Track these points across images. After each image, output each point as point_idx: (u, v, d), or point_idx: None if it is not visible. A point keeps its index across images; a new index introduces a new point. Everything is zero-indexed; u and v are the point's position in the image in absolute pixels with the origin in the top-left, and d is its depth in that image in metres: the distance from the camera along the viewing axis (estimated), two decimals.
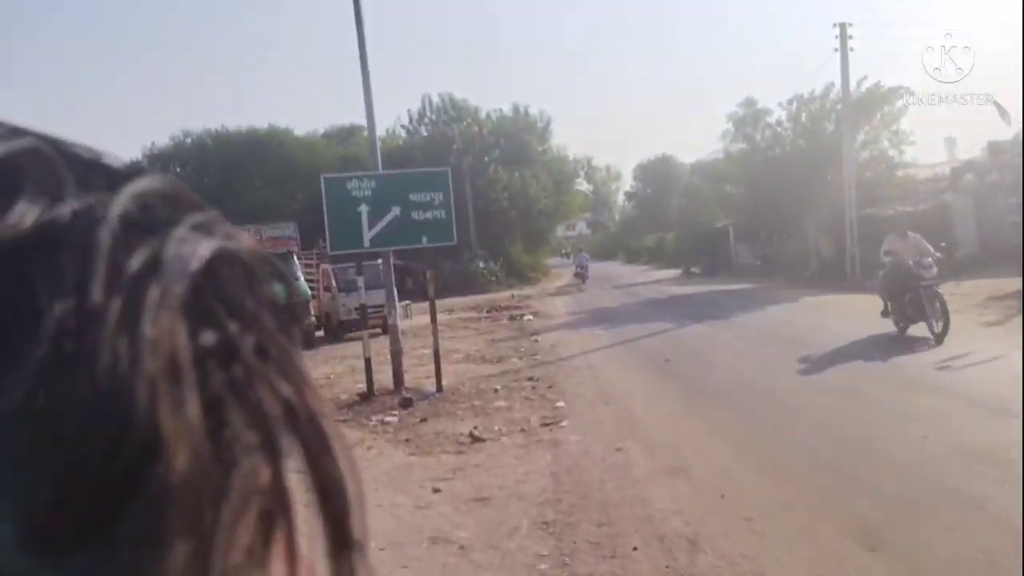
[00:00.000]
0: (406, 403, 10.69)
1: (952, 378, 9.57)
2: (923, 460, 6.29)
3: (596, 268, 59.51)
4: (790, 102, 29.59)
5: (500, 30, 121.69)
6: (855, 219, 24.67)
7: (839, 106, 27.54)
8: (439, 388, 11.42)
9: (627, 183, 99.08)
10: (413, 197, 11.13)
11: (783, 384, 9.96)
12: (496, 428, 9.01)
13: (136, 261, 0.27)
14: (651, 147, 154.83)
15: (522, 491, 6.45)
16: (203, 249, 0.30)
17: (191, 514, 0.26)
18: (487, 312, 27.26)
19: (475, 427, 9.06)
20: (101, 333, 0.25)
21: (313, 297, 21.59)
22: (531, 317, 23.98)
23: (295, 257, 21.31)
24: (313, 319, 20.99)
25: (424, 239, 11.24)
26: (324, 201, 10.90)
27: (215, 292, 0.30)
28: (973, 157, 32.10)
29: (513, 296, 33.83)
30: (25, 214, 0.26)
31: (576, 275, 40.02)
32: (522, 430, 8.83)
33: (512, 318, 24.15)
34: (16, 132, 0.29)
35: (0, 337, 0.24)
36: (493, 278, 42.04)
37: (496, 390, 11.52)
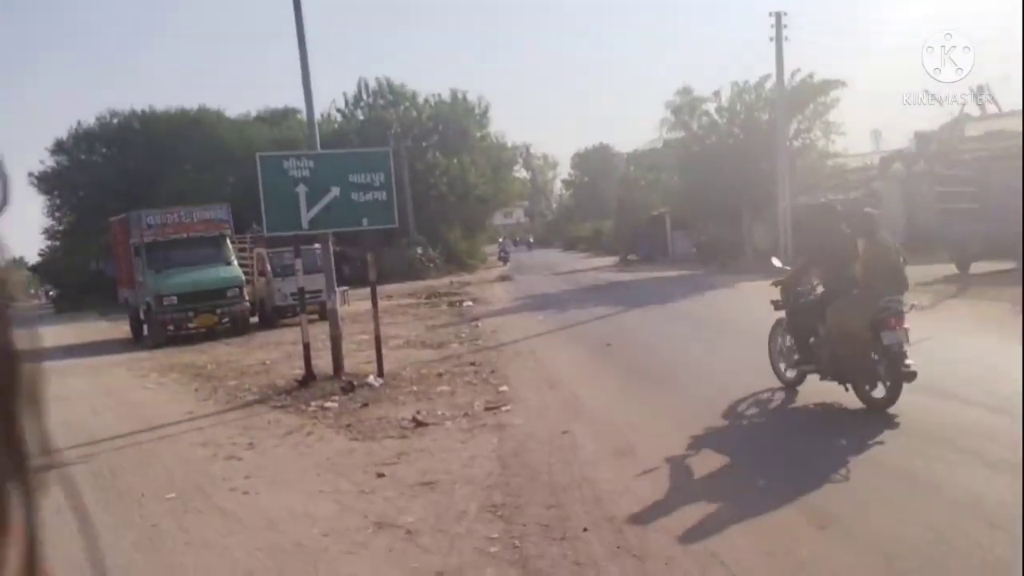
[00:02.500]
0: (347, 388, 10.46)
1: None
2: (868, 442, 6.37)
3: (534, 256, 59.79)
4: (720, 92, 29.96)
5: (437, 15, 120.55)
6: (788, 207, 25.16)
7: (774, 96, 27.99)
8: (380, 373, 11.20)
9: (564, 171, 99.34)
10: (353, 178, 10.85)
11: (724, 368, 10.04)
12: (439, 413, 8.87)
13: None
14: (588, 136, 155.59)
15: (469, 475, 6.33)
16: None
17: None
18: (426, 298, 27.03)
19: (418, 412, 8.90)
20: None
21: (247, 282, 21.03)
22: (471, 303, 23.83)
23: (228, 240, 20.69)
24: (247, 304, 20.45)
25: (364, 221, 10.97)
26: (260, 180, 10.54)
27: None
28: (901, 148, 33.06)
29: (452, 283, 33.61)
30: None
31: (499, 258, 46.18)
32: (466, 415, 8.71)
33: (452, 304, 23.99)
34: None
35: None
36: (431, 265, 41.67)
37: (439, 375, 11.36)
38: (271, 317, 21.79)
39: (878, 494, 5.16)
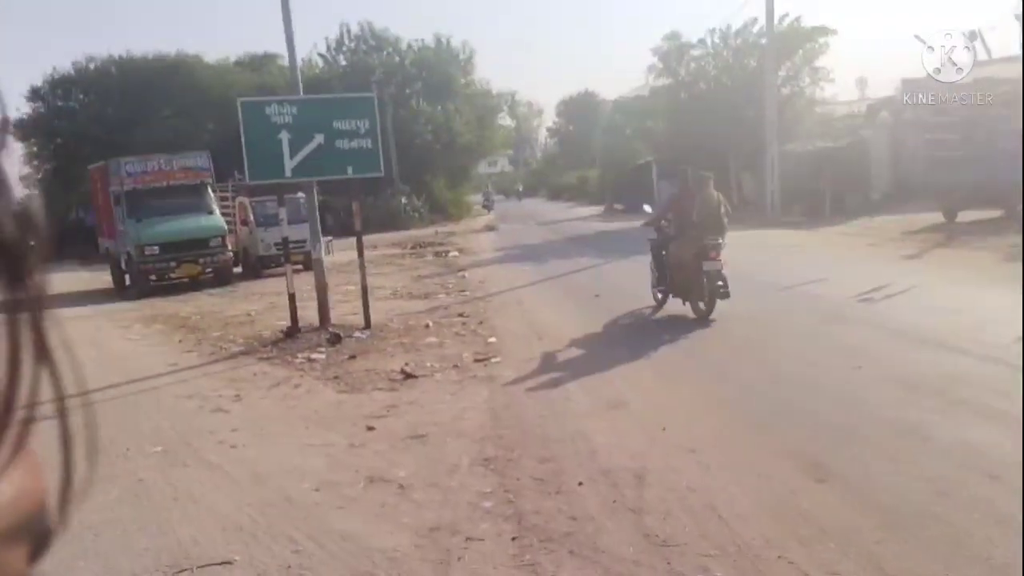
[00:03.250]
0: (334, 339, 10.34)
1: (874, 310, 9.74)
2: (859, 391, 6.34)
3: (520, 205, 59.41)
4: (712, 34, 29.45)
5: None
6: (776, 155, 24.97)
7: (762, 41, 27.59)
8: (367, 324, 11.08)
9: (549, 119, 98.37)
10: (337, 124, 10.56)
11: (714, 318, 9.97)
12: (428, 365, 8.78)
13: None
14: (573, 83, 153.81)
15: (460, 428, 6.26)
16: None
17: None
18: (411, 249, 26.86)
19: (406, 364, 8.81)
20: None
21: (230, 231, 20.73)
22: (456, 254, 23.68)
23: (209, 189, 20.32)
24: (230, 254, 20.18)
25: (350, 169, 10.70)
26: (241, 127, 10.25)
27: None
28: (888, 95, 32.82)
29: (437, 233, 33.42)
30: None
31: (483, 205, 49.77)
32: (455, 366, 8.62)
33: (437, 255, 23.84)
34: None
35: None
36: (416, 215, 41.32)
37: (426, 326, 11.25)
38: (255, 267, 21.56)
39: (873, 445, 5.12)
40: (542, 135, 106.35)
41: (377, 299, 14.89)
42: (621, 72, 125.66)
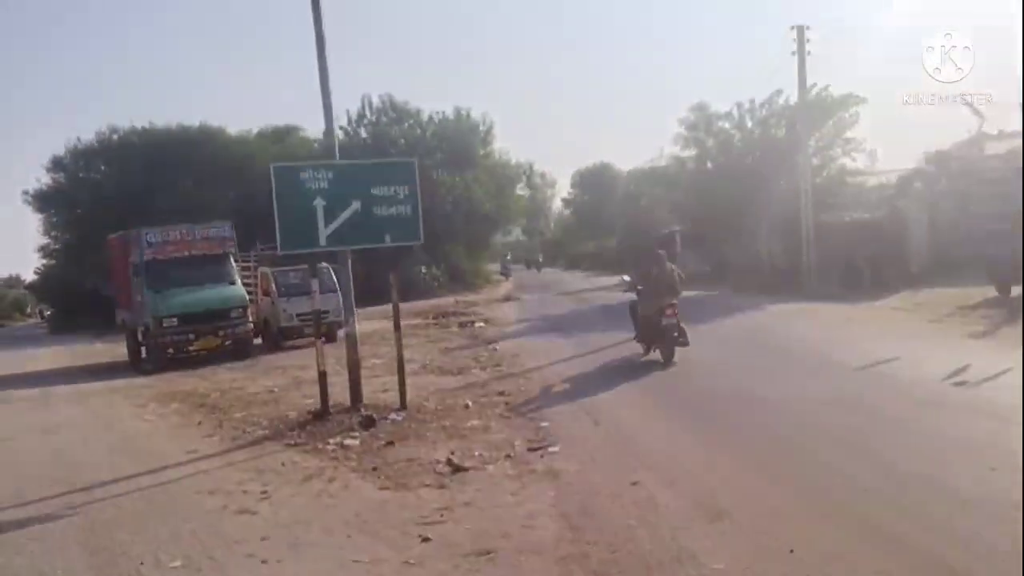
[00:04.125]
0: (368, 422, 9.44)
1: (976, 396, 8.74)
2: (998, 497, 5.37)
3: (539, 275, 58.70)
4: (739, 107, 29.00)
5: (437, 37, 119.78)
6: (812, 226, 24.22)
7: (788, 112, 27.17)
8: (403, 404, 10.19)
9: (563, 190, 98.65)
10: (376, 191, 9.88)
11: (796, 400, 9.04)
12: (477, 454, 7.85)
13: None
14: (587, 156, 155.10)
15: (533, 540, 5.31)
16: None
17: None
18: (434, 319, 26.07)
19: (452, 452, 7.90)
20: None
21: (250, 302, 20.02)
22: (482, 324, 22.86)
23: (231, 259, 19.69)
24: (251, 326, 19.43)
25: (387, 237, 9.97)
26: (274, 194, 9.57)
27: None
28: (917, 166, 32.25)
29: (458, 302, 32.66)
30: None
31: (501, 273, 52.07)
32: (508, 456, 7.70)
33: (462, 325, 23.03)
34: None
35: None
36: (435, 283, 40.81)
37: (466, 406, 10.36)
38: (275, 339, 20.78)
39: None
40: (556, 205, 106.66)
41: (407, 374, 14.08)
42: (634, 143, 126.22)
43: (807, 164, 25.18)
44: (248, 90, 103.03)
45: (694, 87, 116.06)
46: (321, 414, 10.02)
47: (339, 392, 10.78)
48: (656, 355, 12.78)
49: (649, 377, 11.72)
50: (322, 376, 10.02)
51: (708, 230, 31.42)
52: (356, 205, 9.79)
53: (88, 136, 42.32)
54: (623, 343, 15.82)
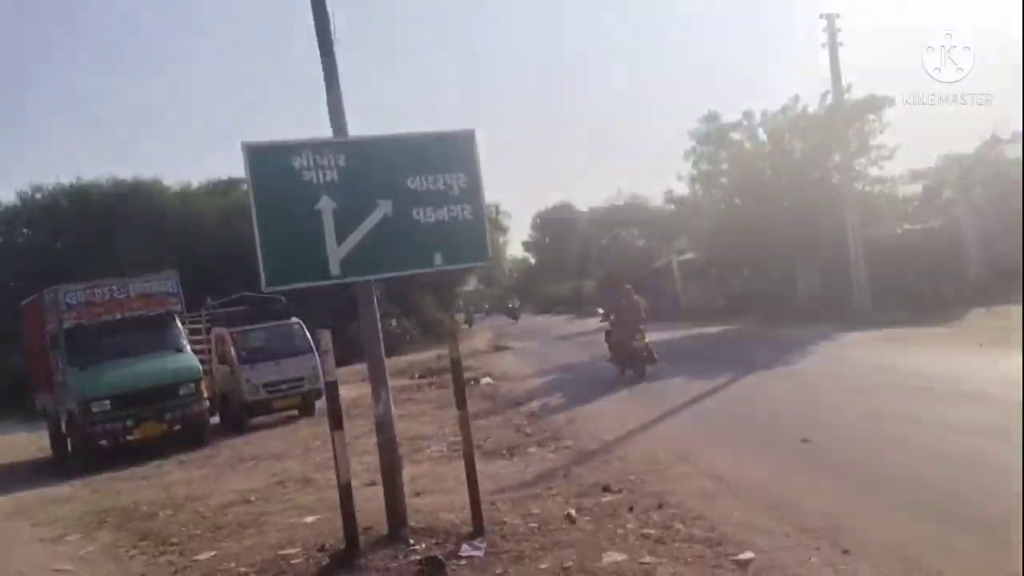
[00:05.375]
0: (433, 569, 5.55)
1: None
2: None
3: (515, 323, 54.72)
4: (750, 117, 25.77)
5: (396, 72, 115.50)
6: (860, 244, 20.95)
7: (805, 120, 24.20)
8: (478, 526, 6.29)
9: (516, 234, 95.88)
10: (415, 183, 6.10)
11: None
12: None
13: None
14: (540, 195, 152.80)
15: None
16: None
17: None
18: (423, 377, 22.27)
19: None
20: None
21: (204, 372, 15.92)
22: (490, 380, 19.07)
23: (177, 320, 15.57)
24: (206, 403, 15.29)
25: (437, 258, 6.16)
26: (251, 195, 5.74)
27: None
28: (935, 168, 29.71)
29: (439, 357, 28.73)
30: None
31: (465, 321, 51.03)
32: None
33: (466, 383, 19.10)
34: None
35: None
36: (407, 337, 36.91)
37: (570, 518, 6.49)
38: (238, 418, 16.65)
39: None
40: (508, 251, 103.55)
41: (432, 459, 10.26)
42: (592, 182, 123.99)
43: (848, 174, 22.05)
44: (182, 140, 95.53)
45: (666, 107, 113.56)
46: (347, 553, 6.07)
47: (361, 503, 6.81)
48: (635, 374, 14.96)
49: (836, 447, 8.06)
50: (346, 492, 6.03)
51: (723, 256, 27.96)
52: (386, 207, 6.01)
53: (7, 196, 37.74)
54: (708, 393, 12.25)
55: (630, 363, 15.10)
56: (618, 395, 13.83)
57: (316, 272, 5.91)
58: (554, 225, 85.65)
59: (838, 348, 16.11)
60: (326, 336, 6.10)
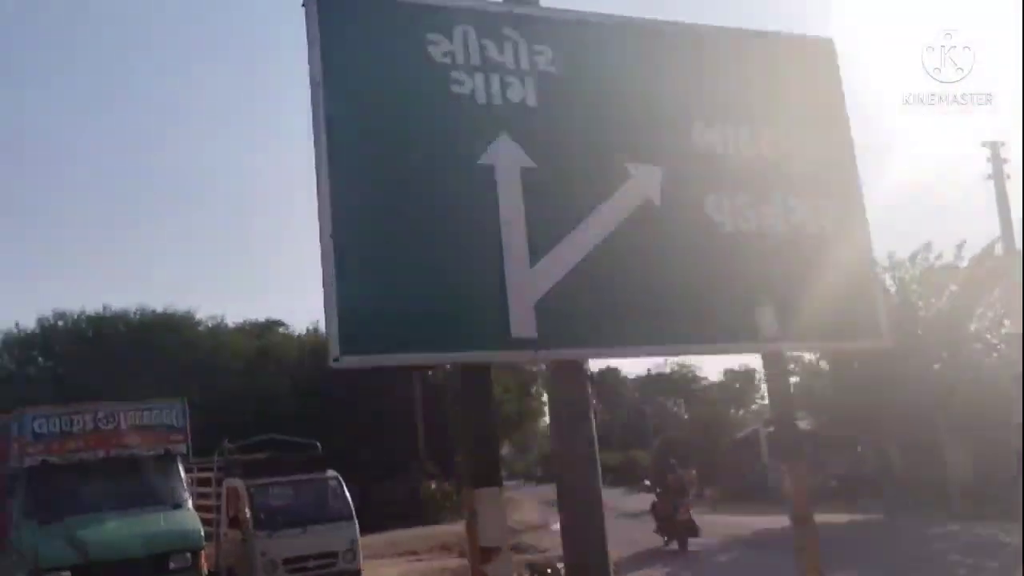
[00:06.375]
0: None
1: None
2: None
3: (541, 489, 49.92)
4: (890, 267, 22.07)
5: None
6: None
7: (951, 271, 20.68)
8: None
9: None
10: (714, 138, 2.56)
11: None
12: None
13: None
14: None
15: None
16: None
17: None
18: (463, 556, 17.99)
19: None
20: None
21: (208, 538, 11.96)
22: (561, 566, 14.63)
23: (179, 464, 11.77)
24: None
25: (765, 320, 2.55)
26: (314, 129, 2.22)
27: None
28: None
29: None
30: None
31: None
32: None
33: (533, 572, 14.81)
34: None
35: None
36: (447, 503, 32.65)
37: None
38: None
39: None
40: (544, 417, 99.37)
41: None
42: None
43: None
44: (221, 272, 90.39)
45: None
46: None
47: None
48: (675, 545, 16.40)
49: None
50: None
51: (859, 429, 23.61)
52: (648, 184, 2.34)
53: (29, 322, 35.07)
54: None
55: (675, 534, 16.75)
56: None
57: (477, 328, 2.19)
58: (600, 390, 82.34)
59: None
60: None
